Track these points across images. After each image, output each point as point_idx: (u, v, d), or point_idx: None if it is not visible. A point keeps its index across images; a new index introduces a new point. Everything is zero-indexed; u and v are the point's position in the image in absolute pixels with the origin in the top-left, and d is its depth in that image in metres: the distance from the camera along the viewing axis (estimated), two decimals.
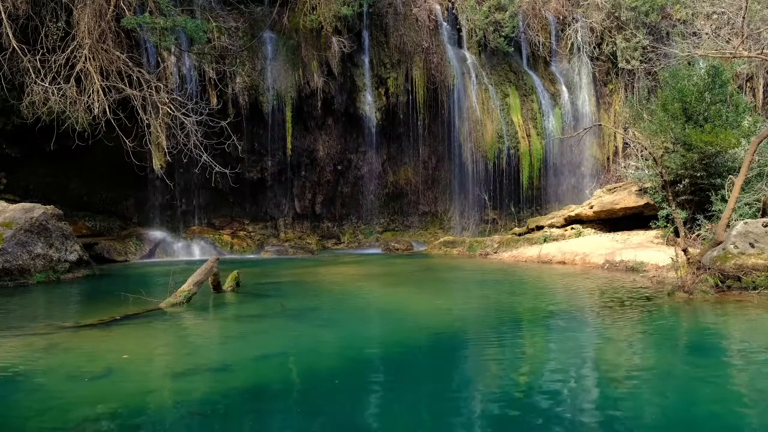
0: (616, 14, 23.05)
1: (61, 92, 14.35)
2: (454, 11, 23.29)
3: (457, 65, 22.25)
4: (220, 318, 8.22)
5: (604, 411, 4.14)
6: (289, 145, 20.62)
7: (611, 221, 16.61)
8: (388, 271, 13.71)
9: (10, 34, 13.95)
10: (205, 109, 15.73)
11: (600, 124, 21.52)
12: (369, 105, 21.27)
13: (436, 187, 23.31)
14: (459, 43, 23.25)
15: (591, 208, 16.91)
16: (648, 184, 15.29)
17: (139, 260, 17.02)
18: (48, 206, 12.59)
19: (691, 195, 13.95)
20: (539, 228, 18.26)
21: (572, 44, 23.84)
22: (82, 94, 14.62)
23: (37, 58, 14.30)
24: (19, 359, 5.57)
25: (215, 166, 15.21)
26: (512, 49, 23.21)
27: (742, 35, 12.55)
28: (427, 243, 20.80)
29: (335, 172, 22.18)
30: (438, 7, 22.79)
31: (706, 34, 19.03)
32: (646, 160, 16.12)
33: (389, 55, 21.57)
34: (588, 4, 23.68)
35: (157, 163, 16.76)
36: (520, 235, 18.33)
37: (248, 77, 19.40)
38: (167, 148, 15.95)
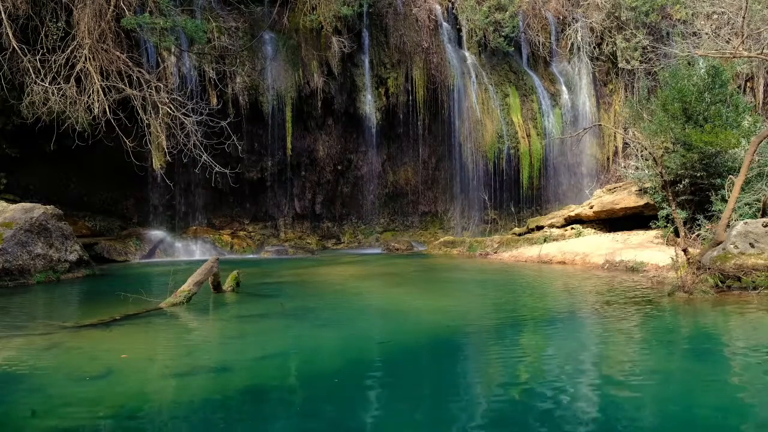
0: (616, 14, 23.04)
1: (61, 92, 14.35)
2: (454, 11, 23.29)
3: (457, 65, 22.25)
4: (220, 318, 8.21)
5: (605, 411, 4.14)
6: (289, 145, 20.62)
7: (611, 221, 16.61)
8: (388, 271, 13.71)
9: (10, 34, 13.95)
10: (205, 109, 15.72)
11: (600, 124, 21.53)
12: (369, 105, 21.26)
13: (436, 187, 23.30)
14: (459, 43, 23.25)
15: (591, 208, 16.91)
16: (648, 184, 15.28)
17: (139, 260, 17.01)
18: (48, 206, 12.58)
19: (691, 195, 13.94)
20: (539, 228, 18.26)
21: (572, 44, 23.84)
22: (82, 94, 14.62)
23: (37, 58, 14.29)
24: (19, 359, 5.57)
25: (215, 166, 15.21)
26: (512, 49, 23.21)
27: (742, 35, 12.55)
28: (427, 243, 20.80)
29: (335, 172, 22.18)
30: (438, 7, 22.78)
31: (706, 34, 19.04)
32: (646, 160, 16.12)
33: (389, 55, 21.57)
34: (588, 4, 23.68)
35: (157, 163, 16.76)
36: (520, 235, 18.33)
37: (248, 77, 19.39)
38: (167, 148, 15.95)
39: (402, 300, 9.44)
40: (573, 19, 23.88)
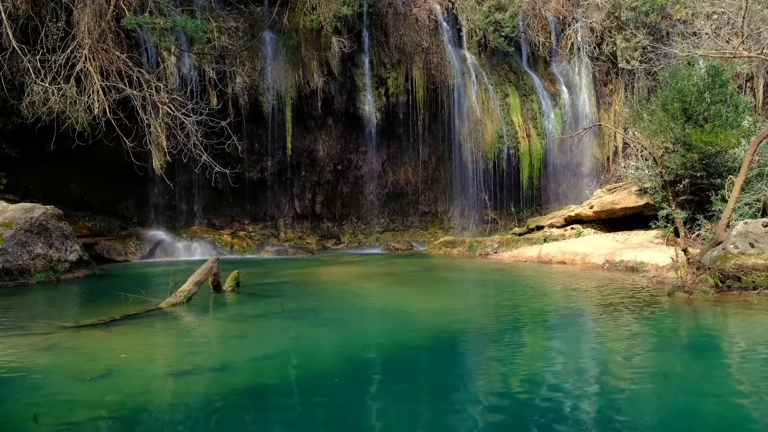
0: (616, 14, 23.04)
1: (61, 92, 14.35)
2: (454, 11, 23.29)
3: (457, 65, 22.25)
4: (220, 318, 8.21)
5: (605, 411, 4.14)
6: (289, 145, 20.62)
7: (611, 221, 16.61)
8: (388, 271, 13.71)
9: (10, 34, 13.95)
10: (205, 109, 15.73)
11: (600, 124, 21.53)
12: (369, 105, 21.26)
13: (436, 187, 23.30)
14: (459, 43, 23.25)
15: (591, 208, 16.91)
16: (648, 184, 15.28)
17: (139, 260, 17.02)
18: (48, 206, 12.58)
19: (691, 195, 13.94)
20: (539, 228, 18.26)
21: (572, 44, 23.84)
22: (82, 94, 14.62)
23: (37, 58, 14.30)
24: (19, 359, 5.57)
25: (215, 166, 15.22)
26: (512, 49, 23.21)
27: (742, 35, 12.54)
28: (427, 243, 20.79)
29: (335, 172, 22.18)
30: (438, 7, 22.78)
31: (706, 34, 19.02)
32: (646, 160, 16.12)
33: (389, 55, 21.57)
34: (588, 4, 23.68)
35: (157, 163, 16.76)
36: (520, 235, 18.33)
37: (248, 77, 19.40)
38: (167, 148, 15.96)
39: (402, 300, 9.44)
40: (573, 19, 23.88)
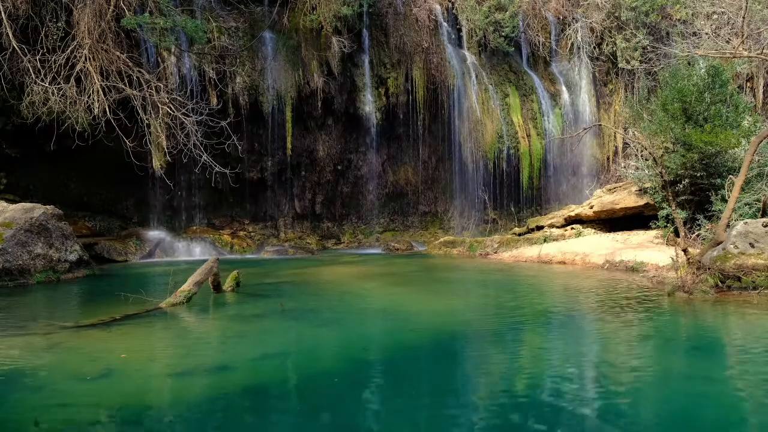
0: (616, 14, 23.04)
1: (61, 92, 14.35)
2: (454, 11, 23.29)
3: (457, 65, 22.25)
4: (220, 318, 8.22)
5: (605, 411, 4.14)
6: (289, 145, 20.62)
7: (611, 221, 16.60)
8: (388, 271, 13.71)
9: (10, 34, 13.95)
10: (205, 109, 15.73)
11: (600, 124, 21.52)
12: (369, 105, 21.26)
13: (436, 187, 23.30)
14: (459, 43, 23.25)
15: (591, 208, 16.90)
16: (648, 184, 15.28)
17: (139, 260, 17.01)
18: (48, 206, 12.58)
19: (691, 195, 13.94)
20: (539, 228, 18.26)
21: (572, 44, 23.83)
22: (82, 94, 14.62)
23: (37, 58, 14.30)
24: (19, 359, 5.58)
25: (215, 166, 15.21)
26: (512, 49, 23.21)
27: (742, 35, 12.54)
28: (427, 243, 20.79)
29: (335, 172, 22.18)
30: (438, 7, 22.78)
31: (706, 34, 19.02)
32: (646, 160, 16.11)
33: (389, 55, 21.57)
34: (588, 4, 23.68)
35: (157, 163, 16.76)
36: (520, 235, 18.33)
37: (248, 77, 19.40)
38: (167, 148, 15.96)
39: (402, 300, 9.44)
40: (573, 19, 23.87)
